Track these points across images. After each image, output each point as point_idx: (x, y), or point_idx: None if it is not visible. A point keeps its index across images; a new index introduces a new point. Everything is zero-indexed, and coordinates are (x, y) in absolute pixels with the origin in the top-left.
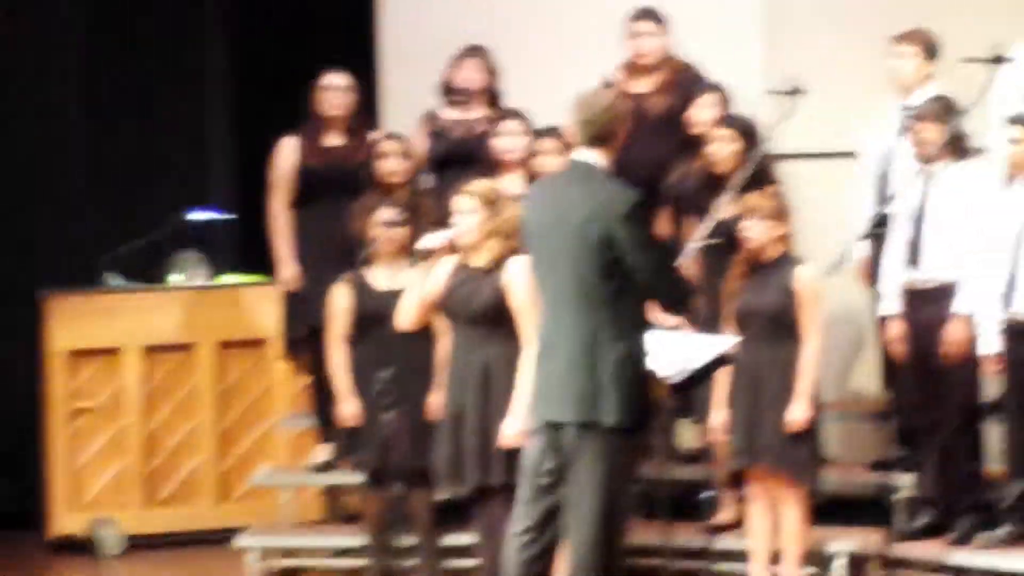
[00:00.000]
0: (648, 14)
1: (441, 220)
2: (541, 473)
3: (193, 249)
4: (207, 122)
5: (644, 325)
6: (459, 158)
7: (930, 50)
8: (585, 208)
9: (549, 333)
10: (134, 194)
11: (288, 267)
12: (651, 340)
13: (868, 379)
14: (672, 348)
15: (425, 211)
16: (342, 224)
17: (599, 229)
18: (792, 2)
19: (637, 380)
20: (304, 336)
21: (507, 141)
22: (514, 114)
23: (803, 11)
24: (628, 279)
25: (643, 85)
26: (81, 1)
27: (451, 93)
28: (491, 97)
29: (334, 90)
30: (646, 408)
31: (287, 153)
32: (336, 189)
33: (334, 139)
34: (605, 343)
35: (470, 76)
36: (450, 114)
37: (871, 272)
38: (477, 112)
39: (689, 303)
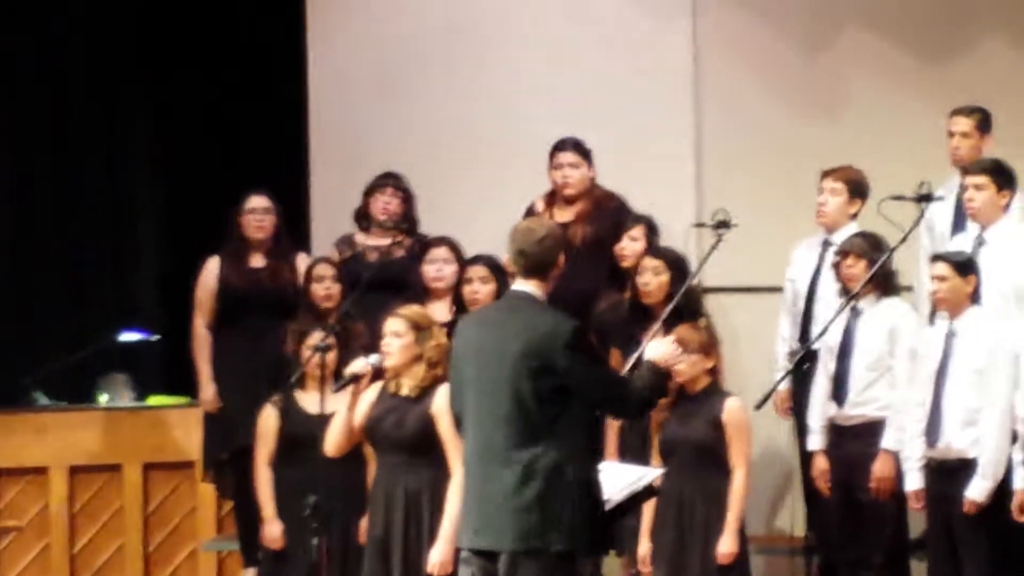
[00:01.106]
0: (570, 144)
1: (368, 345)
2: None
3: (120, 369)
4: (134, 242)
5: (592, 451)
6: (377, 284)
7: (856, 188)
8: (523, 338)
9: (481, 460)
10: (61, 313)
11: (208, 388)
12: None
13: (791, 514)
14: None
15: (356, 335)
16: (264, 345)
17: (539, 359)
18: (721, 137)
19: (588, 504)
20: (227, 458)
21: (436, 268)
22: (443, 241)
23: (732, 146)
24: (570, 406)
25: (566, 214)
26: (9, 119)
27: (366, 219)
28: (407, 223)
29: (255, 212)
30: (598, 532)
31: (209, 274)
32: (258, 310)
33: (257, 260)
34: (548, 468)
35: (384, 203)
36: (366, 239)
37: (793, 406)
38: (397, 237)
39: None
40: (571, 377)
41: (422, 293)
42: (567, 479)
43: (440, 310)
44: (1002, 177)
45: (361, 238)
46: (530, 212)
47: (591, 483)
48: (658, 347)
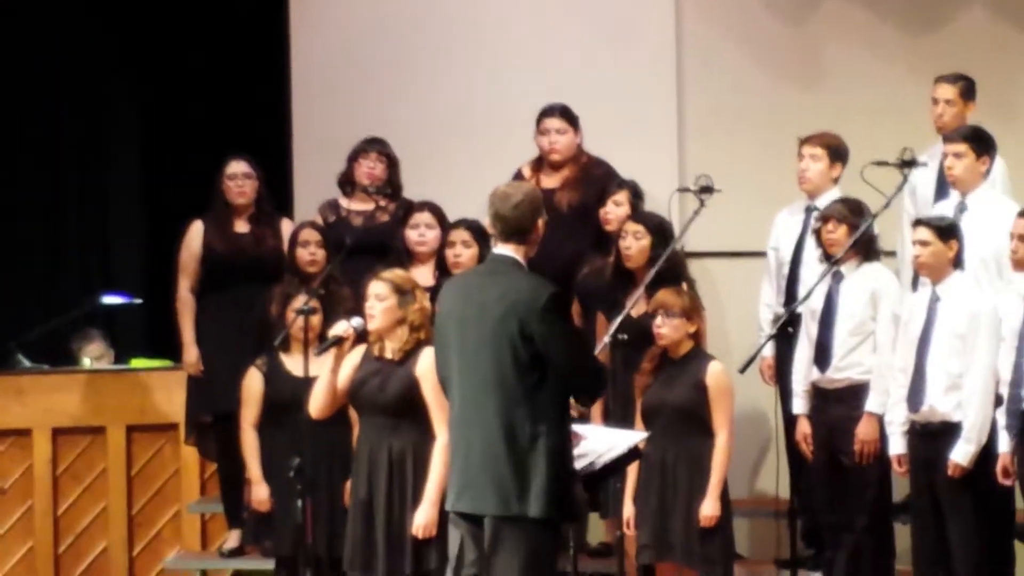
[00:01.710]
0: (557, 111)
1: (354, 308)
2: (466, 564)
3: (102, 332)
4: (116, 207)
5: (567, 418)
6: (361, 248)
7: (836, 152)
8: (504, 303)
9: (465, 424)
10: (43, 278)
11: (191, 352)
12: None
13: (774, 477)
14: (582, 442)
15: (340, 299)
16: (247, 310)
17: (518, 324)
18: (704, 102)
19: (562, 472)
20: (210, 421)
21: (418, 232)
22: (426, 206)
23: (715, 111)
24: (548, 372)
25: (552, 180)
26: None
27: (351, 184)
28: (391, 188)
29: (236, 178)
30: (570, 501)
31: (194, 238)
32: (242, 275)
33: (241, 226)
34: (525, 436)
35: (369, 168)
36: (350, 204)
37: (777, 371)
38: (381, 202)
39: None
40: (543, 342)
41: (405, 257)
42: (544, 447)
43: (423, 274)
44: (981, 144)
45: (345, 203)
46: (517, 178)
47: (566, 450)
48: None
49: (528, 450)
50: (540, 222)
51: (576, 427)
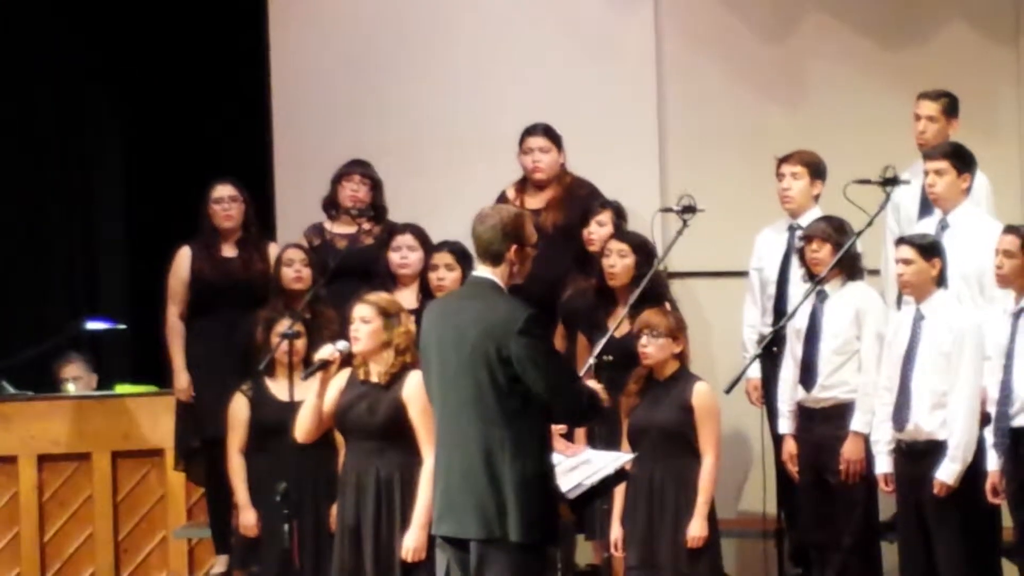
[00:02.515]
0: (540, 130)
1: (339, 331)
2: None
3: (87, 358)
4: (100, 232)
5: (549, 442)
6: (346, 271)
7: (816, 170)
8: (480, 325)
9: (447, 447)
10: (27, 304)
11: (182, 378)
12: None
13: (761, 497)
14: (568, 464)
15: (326, 321)
16: (236, 335)
17: (495, 346)
18: (685, 123)
19: (542, 496)
20: (198, 446)
21: (400, 255)
22: (408, 228)
23: (696, 132)
24: (528, 396)
25: (537, 201)
26: None
27: (335, 207)
28: (374, 210)
29: (222, 202)
30: (552, 524)
31: (181, 264)
32: (230, 300)
33: (228, 250)
34: (505, 459)
35: (353, 191)
36: (335, 227)
37: (763, 390)
38: (364, 225)
39: (597, 415)
40: (520, 365)
41: (389, 280)
42: (524, 470)
43: (407, 297)
44: (962, 161)
45: (330, 226)
46: (501, 200)
47: (547, 474)
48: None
49: (507, 474)
50: (516, 247)
51: (562, 449)
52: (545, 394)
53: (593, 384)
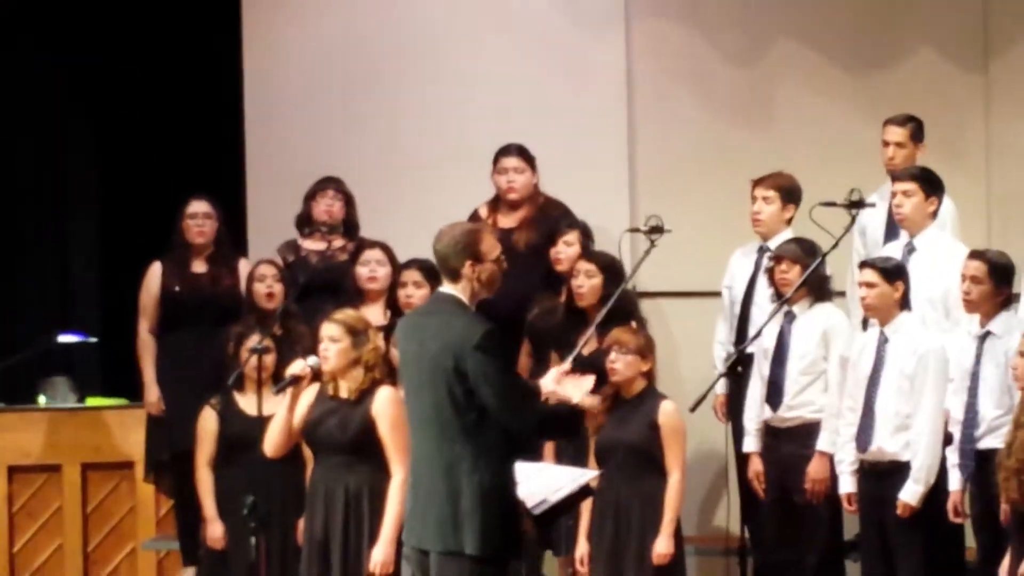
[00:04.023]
0: (515, 150)
1: (311, 347)
2: None
3: (58, 371)
4: (72, 245)
5: (511, 455)
6: (319, 287)
7: (788, 194)
8: (439, 340)
9: (416, 460)
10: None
11: (152, 392)
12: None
13: (727, 515)
14: (534, 480)
15: (298, 336)
16: (206, 350)
17: (453, 361)
18: (654, 144)
19: (501, 509)
20: (167, 459)
21: (369, 270)
22: (377, 244)
23: (665, 153)
24: (486, 410)
25: (510, 220)
26: None
27: (308, 224)
28: (348, 226)
29: (196, 217)
30: (510, 539)
31: (152, 279)
32: (200, 315)
33: (198, 265)
34: (463, 472)
35: (327, 206)
36: (308, 244)
37: (729, 409)
38: (335, 242)
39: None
40: (474, 379)
41: (356, 296)
42: (481, 484)
43: (374, 313)
44: (930, 184)
45: (303, 243)
46: (473, 218)
47: (505, 488)
48: (575, 387)
49: (466, 487)
50: (471, 263)
51: (525, 465)
52: (495, 409)
53: (577, 379)
